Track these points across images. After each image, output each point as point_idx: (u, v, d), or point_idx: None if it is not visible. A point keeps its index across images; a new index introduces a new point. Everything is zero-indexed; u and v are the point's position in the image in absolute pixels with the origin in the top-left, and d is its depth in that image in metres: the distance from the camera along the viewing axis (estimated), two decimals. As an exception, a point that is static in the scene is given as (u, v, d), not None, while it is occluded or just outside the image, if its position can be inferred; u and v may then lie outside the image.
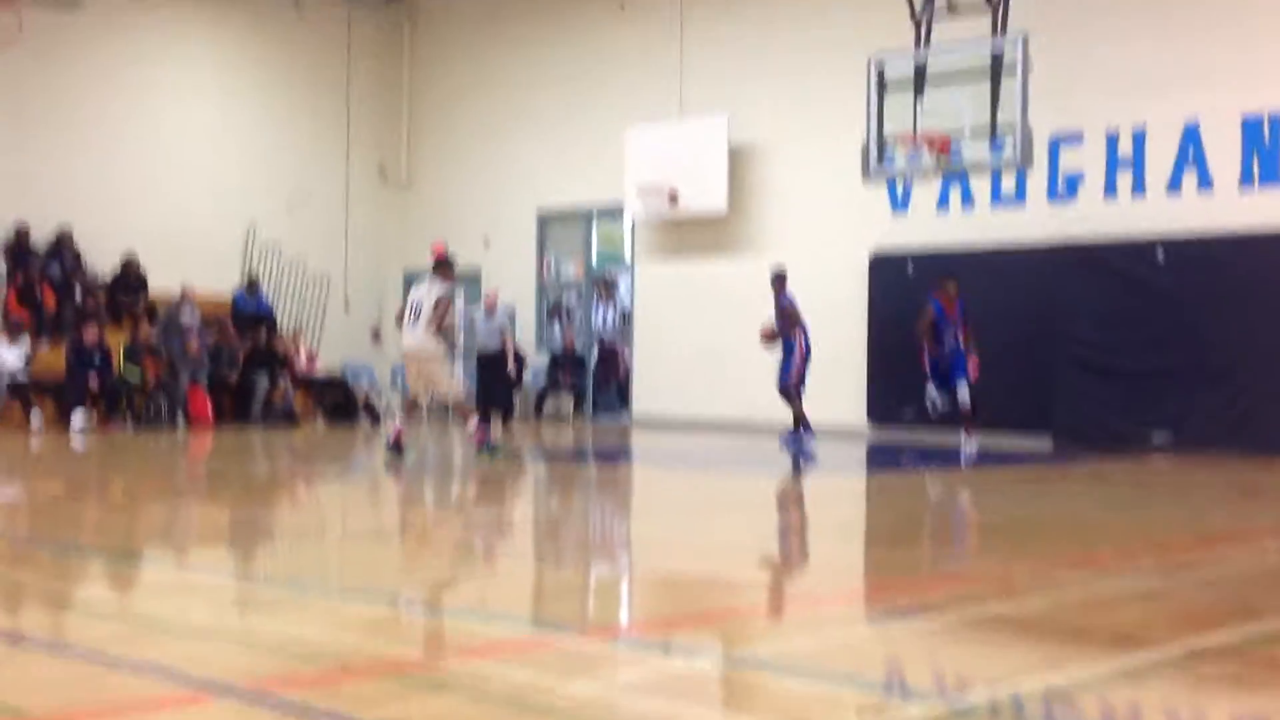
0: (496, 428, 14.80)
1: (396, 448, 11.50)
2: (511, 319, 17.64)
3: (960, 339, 13.50)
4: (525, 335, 21.45)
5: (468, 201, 21.66)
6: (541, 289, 21.48)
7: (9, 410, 16.26)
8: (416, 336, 11.29)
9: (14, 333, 16.85)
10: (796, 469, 12.03)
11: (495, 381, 16.67)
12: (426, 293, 11.33)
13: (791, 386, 13.55)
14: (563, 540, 7.29)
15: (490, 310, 16.81)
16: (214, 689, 3.56)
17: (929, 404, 13.68)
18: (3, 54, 18.16)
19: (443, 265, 11.61)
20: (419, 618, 4.72)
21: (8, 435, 15.23)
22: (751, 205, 18.28)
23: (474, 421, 11.64)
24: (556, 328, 21.22)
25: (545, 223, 21.26)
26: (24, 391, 16.42)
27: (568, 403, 20.73)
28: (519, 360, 17.37)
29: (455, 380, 12.23)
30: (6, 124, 18.42)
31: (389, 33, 22.83)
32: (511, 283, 21.41)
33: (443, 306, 11.30)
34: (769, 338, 13.71)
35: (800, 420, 13.37)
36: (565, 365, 20.43)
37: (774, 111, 18.02)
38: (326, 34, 21.97)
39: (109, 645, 4.23)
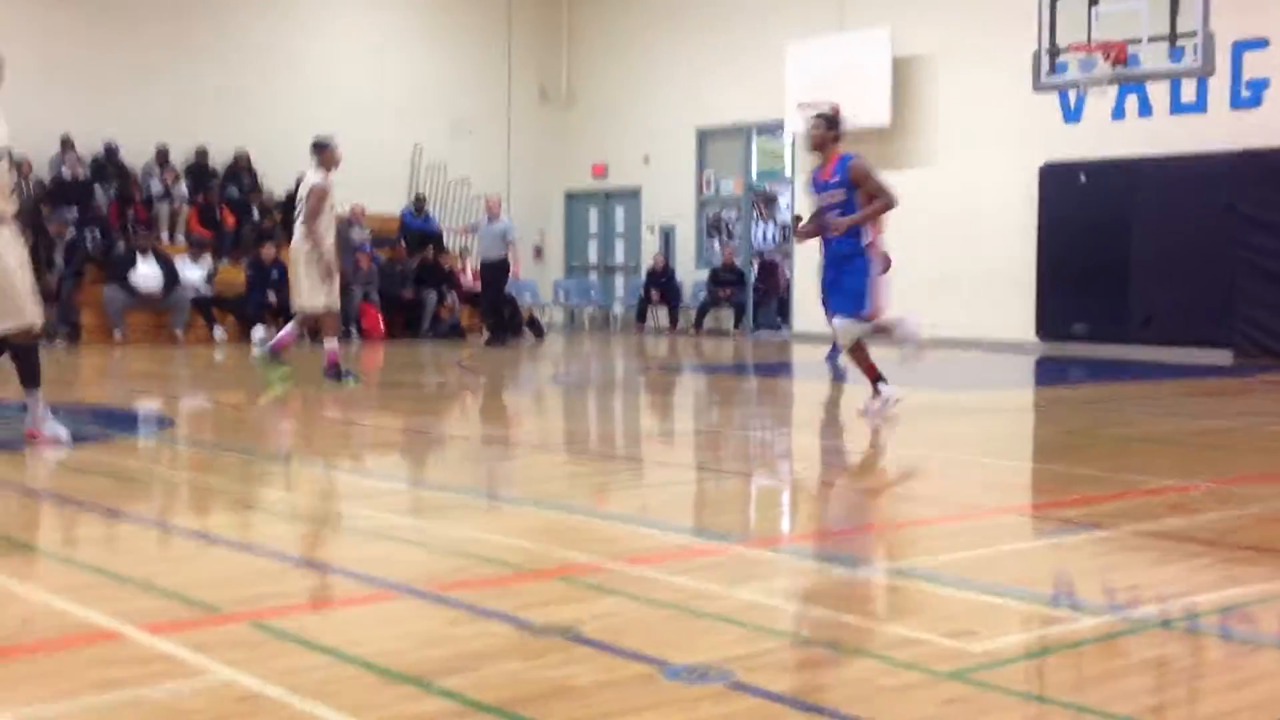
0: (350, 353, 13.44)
1: (334, 373, 10.24)
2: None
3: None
4: (685, 251, 21.48)
5: (627, 120, 21.65)
6: (701, 205, 21.43)
7: (194, 324, 17.01)
8: (293, 234, 10.33)
9: (197, 251, 17.57)
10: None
11: (497, 291, 16.78)
12: (304, 183, 10.26)
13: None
14: (724, 451, 7.34)
15: (492, 216, 16.73)
16: (392, 588, 3.71)
17: None
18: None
19: (318, 149, 10.25)
20: (585, 524, 4.82)
21: (193, 348, 15.95)
22: (916, 118, 17.88)
23: (332, 342, 10.40)
24: (716, 244, 21.18)
25: (704, 139, 21.14)
26: (207, 307, 17.15)
27: (727, 318, 20.74)
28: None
29: (316, 289, 10.19)
30: (180, 51, 19.03)
31: (550, -48, 22.81)
32: (671, 199, 21.42)
33: (313, 199, 10.08)
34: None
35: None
36: (725, 281, 20.40)
37: (939, 22, 17.53)
38: (489, -45, 22.07)
39: (292, 546, 4.44)
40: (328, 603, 3.65)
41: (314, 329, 10.56)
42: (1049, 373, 13.91)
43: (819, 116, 8.18)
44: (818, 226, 8.15)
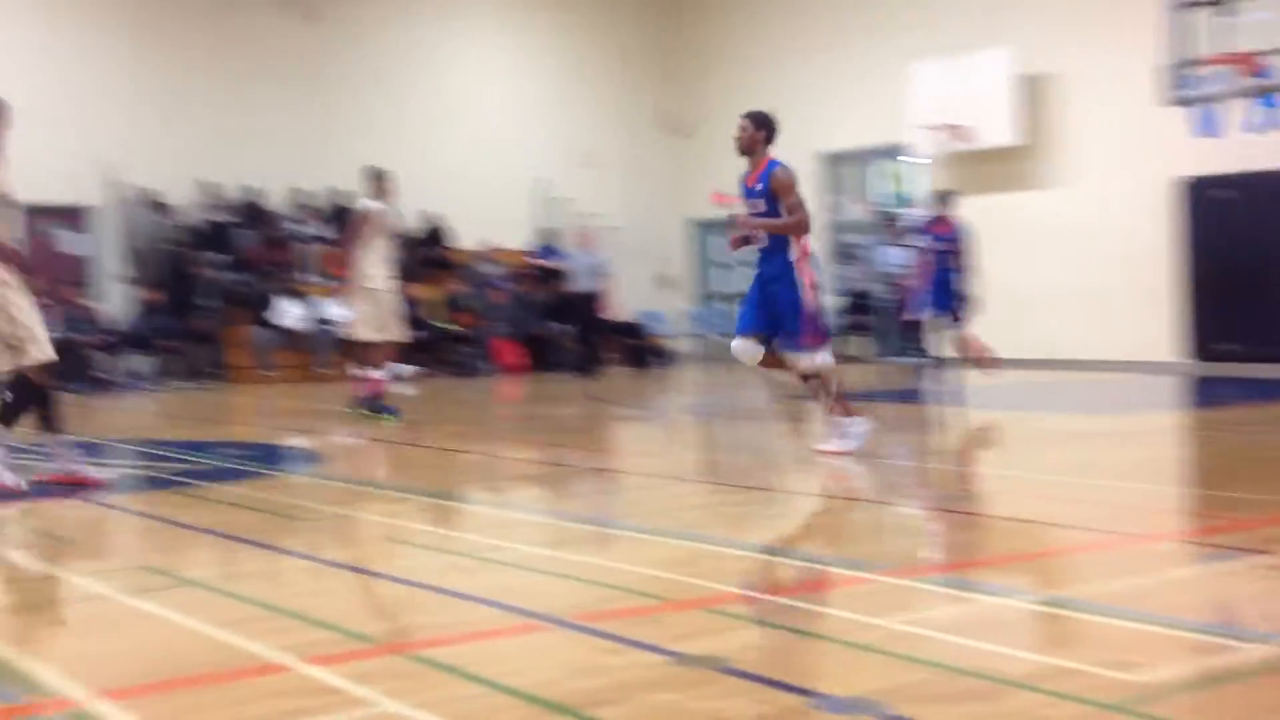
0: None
1: (371, 405, 10.38)
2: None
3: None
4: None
5: (748, 147, 21.66)
6: (827, 230, 21.34)
7: (336, 361, 17.46)
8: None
9: (336, 290, 18.03)
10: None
11: (586, 324, 16.48)
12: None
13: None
14: (867, 479, 7.29)
15: (586, 248, 16.32)
16: (542, 619, 3.77)
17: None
18: (313, 27, 19.34)
19: (373, 178, 11.02)
20: (726, 554, 4.83)
21: (335, 385, 16.36)
22: (1044, 136, 17.60)
23: (377, 373, 10.45)
24: (843, 269, 21.07)
25: (828, 163, 21.07)
26: (350, 344, 17.58)
27: (858, 343, 20.59)
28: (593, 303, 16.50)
29: (367, 319, 10.70)
30: (316, 94, 19.62)
31: (671, -17, 23.02)
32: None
33: (358, 223, 10.74)
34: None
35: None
36: (853, 306, 20.27)
37: (1066, 40, 17.27)
38: (611, -11, 22.37)
39: (442, 577, 4.53)
40: (480, 634, 3.73)
41: (371, 357, 10.69)
42: (1197, 393, 13.52)
43: (747, 116, 7.53)
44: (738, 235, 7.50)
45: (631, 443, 10.21)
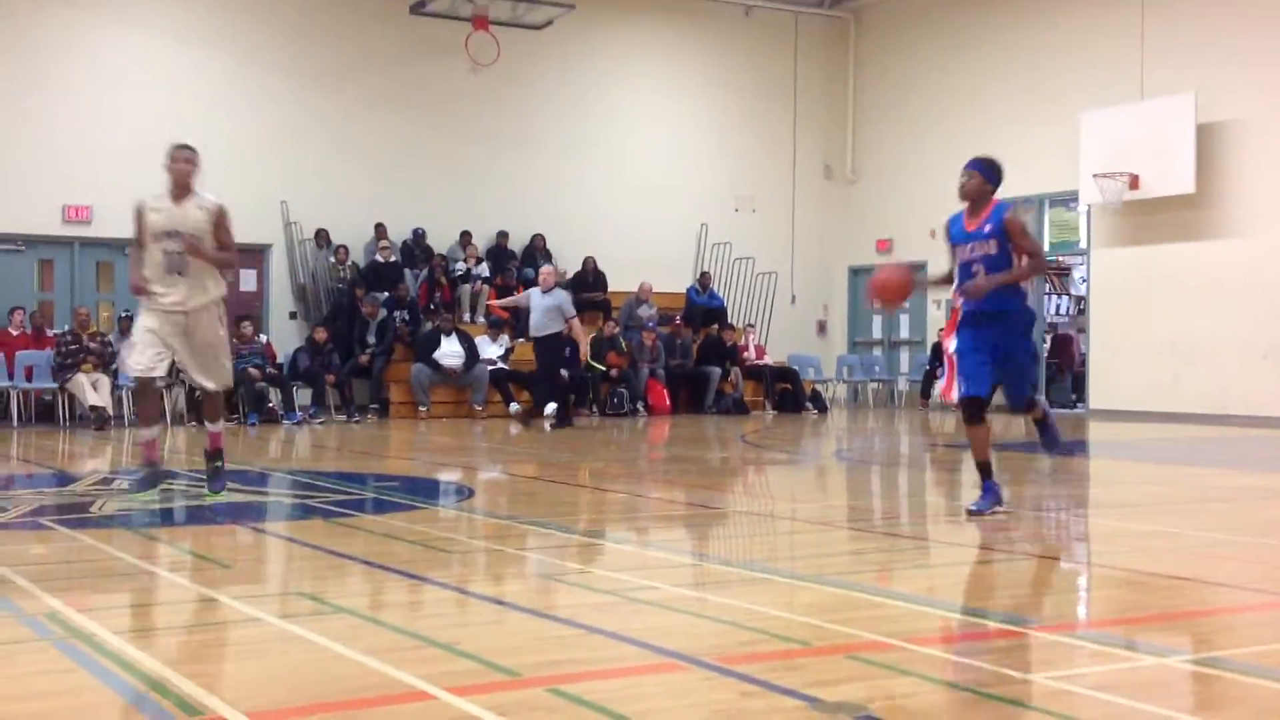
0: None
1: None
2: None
3: None
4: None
5: (913, 195, 21.46)
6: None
7: (491, 399, 17.78)
8: None
9: (495, 330, 18.41)
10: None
11: (549, 368, 15.15)
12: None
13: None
14: (1015, 531, 7.11)
15: (546, 288, 14.93)
16: (682, 658, 3.76)
17: None
18: (481, 74, 19.84)
19: None
20: (872, 601, 4.76)
21: (491, 422, 16.66)
22: (1221, 186, 17.04)
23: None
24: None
25: (994, 210, 20.74)
26: (504, 382, 17.90)
27: (1019, 394, 20.12)
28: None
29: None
30: (481, 139, 20.10)
31: (834, 32, 23.02)
32: (959, 272, 21.04)
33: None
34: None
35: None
36: (1016, 356, 19.82)
37: (1247, 86, 16.74)
38: (773, 37, 22.46)
39: (587, 614, 4.55)
40: (623, 671, 3.73)
41: None
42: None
43: (976, 166, 7.26)
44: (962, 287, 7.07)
45: (782, 487, 10.14)
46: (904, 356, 22.54)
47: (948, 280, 7.26)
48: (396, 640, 4.04)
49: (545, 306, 14.79)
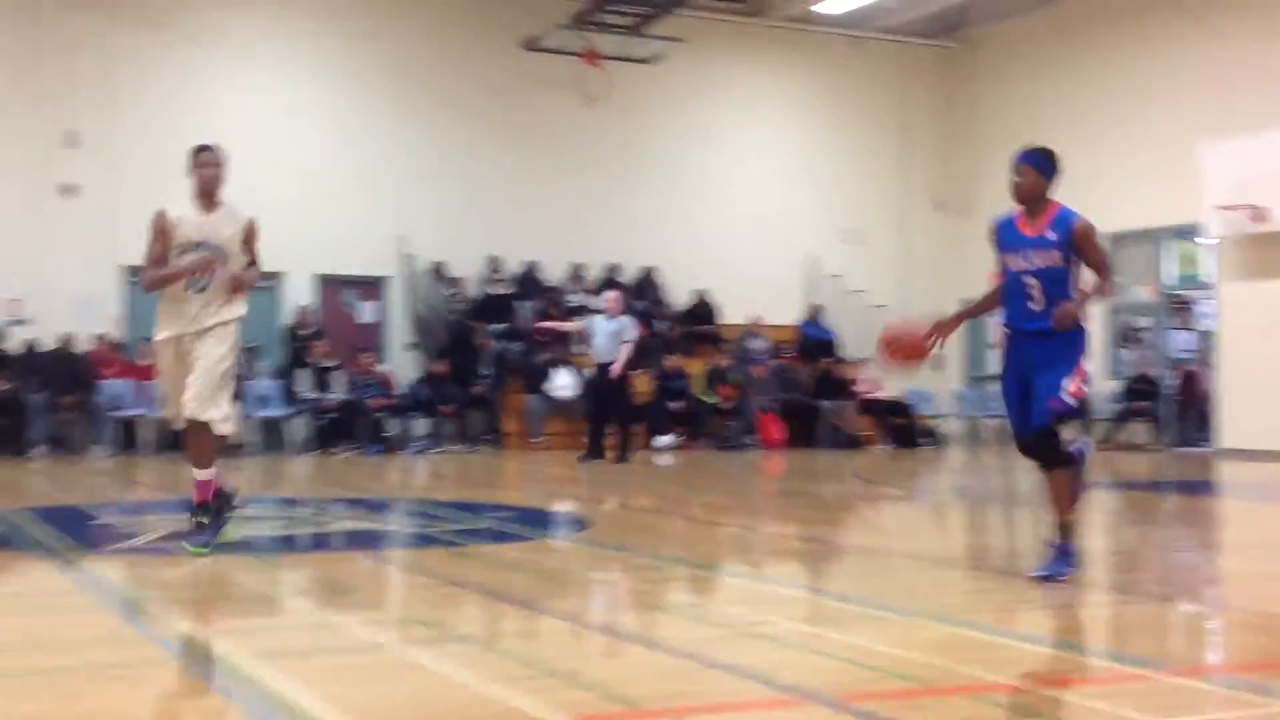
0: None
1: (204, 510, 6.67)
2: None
3: None
4: (1094, 360, 20.61)
5: (1030, 225, 21.16)
6: (1110, 313, 20.54)
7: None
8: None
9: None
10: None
11: (608, 398, 14.89)
12: None
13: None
14: (1142, 573, 6.93)
15: (610, 315, 14.82)
16: (800, 694, 3.74)
17: None
18: (594, 109, 20.06)
19: None
20: (992, 642, 4.68)
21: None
22: (1355, 216, 16.49)
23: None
24: (1127, 353, 20.21)
25: (1114, 245, 20.32)
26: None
27: (1141, 432, 19.65)
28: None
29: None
30: (597, 172, 20.30)
31: (945, 62, 22.84)
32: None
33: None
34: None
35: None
36: (1138, 392, 19.37)
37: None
38: (882, 67, 22.36)
39: (702, 647, 4.55)
40: (739, 705, 3.72)
41: None
42: None
43: (1026, 158, 6.07)
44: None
45: (897, 523, 10.02)
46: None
47: (993, 303, 6.25)
48: (515, 669, 4.08)
49: (609, 332, 14.68)
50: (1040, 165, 6.01)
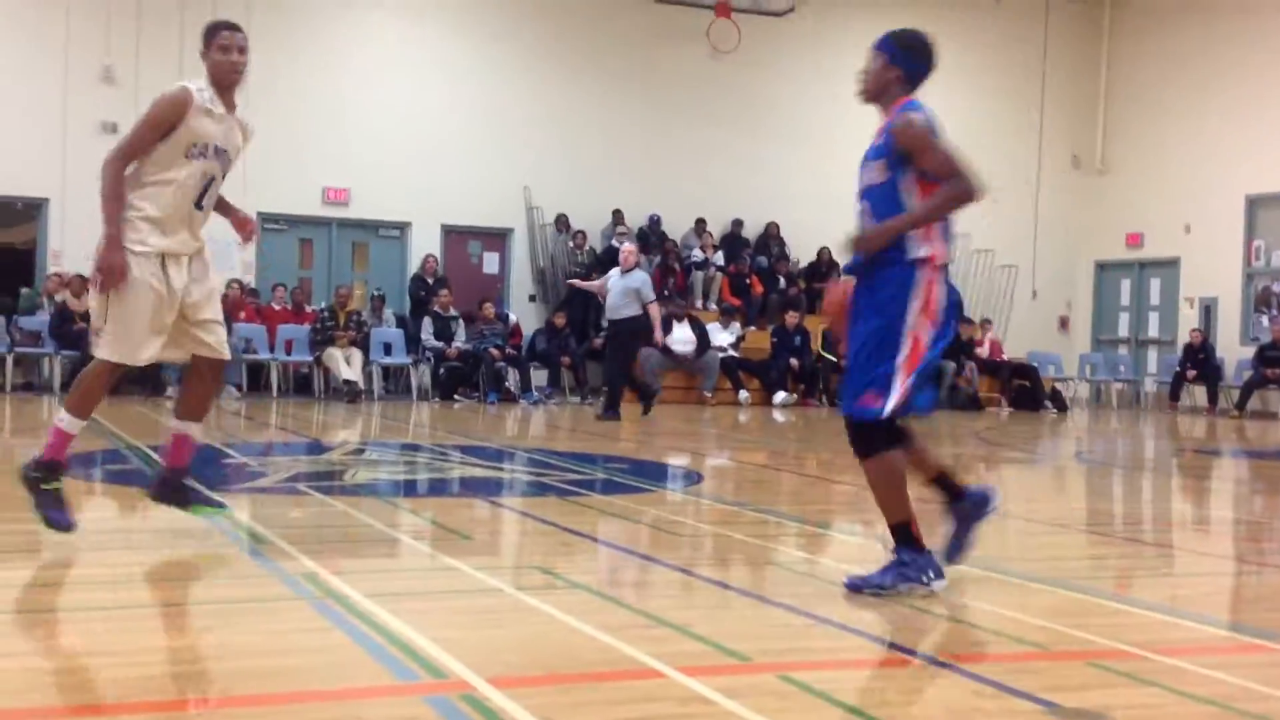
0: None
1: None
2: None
3: None
4: (1228, 326, 20.00)
5: (1166, 188, 20.54)
6: (1248, 278, 19.89)
7: (721, 386, 17.88)
8: None
9: (727, 318, 18.50)
10: None
11: (624, 354, 14.14)
12: None
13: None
14: (1269, 543, 6.74)
15: (626, 268, 13.84)
16: (913, 654, 3.73)
17: None
18: (722, 61, 19.92)
19: None
20: (1112, 608, 4.60)
21: (720, 409, 16.76)
22: None
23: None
24: (1264, 319, 19.55)
25: (1254, 207, 19.63)
26: (734, 370, 17.98)
27: (1277, 399, 19.04)
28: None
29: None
30: (723, 126, 20.18)
31: (1086, 20, 22.20)
32: (1213, 271, 20.07)
33: None
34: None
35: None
36: (1274, 359, 18.75)
37: None
38: (1022, 24, 21.81)
39: (812, 603, 4.55)
40: (852, 662, 3.73)
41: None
42: None
43: (877, 44, 4.79)
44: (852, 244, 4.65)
45: (1018, 487, 9.87)
46: (1152, 356, 21.62)
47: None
48: (628, 618, 4.13)
49: (622, 288, 13.74)
50: (890, 51, 4.72)
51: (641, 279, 13.88)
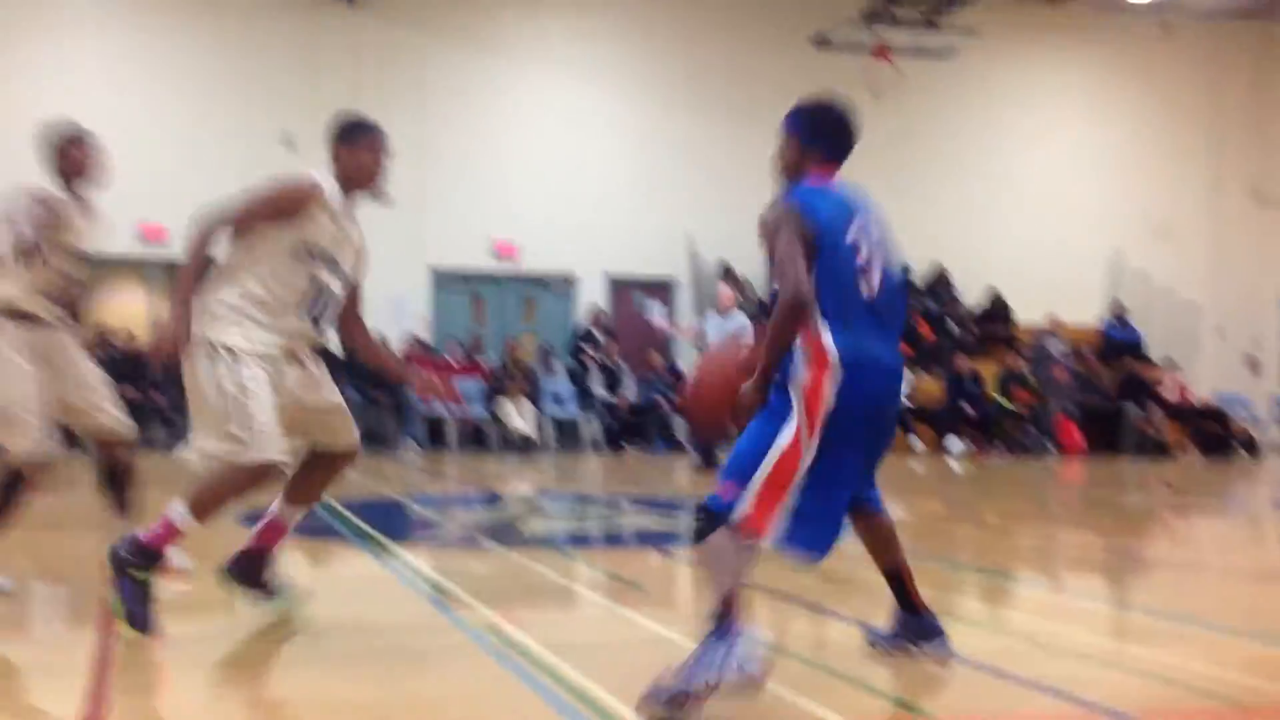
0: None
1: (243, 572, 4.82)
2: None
3: None
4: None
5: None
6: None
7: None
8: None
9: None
10: None
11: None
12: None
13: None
14: None
15: (724, 311, 12.89)
16: (1100, 711, 3.61)
17: None
18: (882, 105, 19.80)
19: None
20: (1317, 665, 4.38)
21: (891, 457, 16.51)
22: None
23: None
24: None
25: None
26: (905, 417, 17.70)
27: None
28: None
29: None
30: (884, 169, 19.98)
31: (1261, 42, 21.43)
32: None
33: None
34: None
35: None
36: None
37: None
38: (1191, 52, 21.16)
39: (996, 658, 4.44)
40: (1038, 718, 3.62)
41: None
42: None
43: (786, 116, 4.30)
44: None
45: (1209, 535, 9.48)
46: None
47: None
48: (803, 671, 4.10)
49: (725, 332, 12.52)
50: (795, 128, 4.24)
51: (741, 321, 12.86)
